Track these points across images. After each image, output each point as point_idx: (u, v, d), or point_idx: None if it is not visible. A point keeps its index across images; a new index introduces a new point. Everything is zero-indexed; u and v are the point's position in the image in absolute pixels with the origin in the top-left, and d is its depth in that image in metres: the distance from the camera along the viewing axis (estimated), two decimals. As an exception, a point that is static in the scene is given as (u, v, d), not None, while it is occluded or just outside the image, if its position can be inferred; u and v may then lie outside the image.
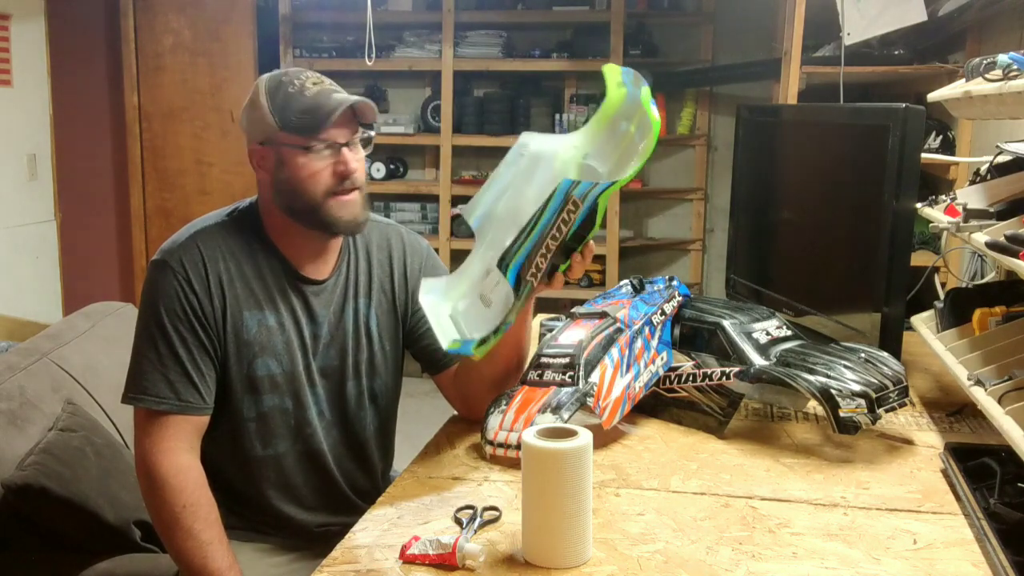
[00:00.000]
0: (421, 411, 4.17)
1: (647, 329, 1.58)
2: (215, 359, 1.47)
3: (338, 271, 1.56)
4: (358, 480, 1.62)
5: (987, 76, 1.46)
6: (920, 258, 2.45)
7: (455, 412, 1.65)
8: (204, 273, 1.45)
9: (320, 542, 1.47)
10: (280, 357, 1.49)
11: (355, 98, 1.46)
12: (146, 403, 1.42)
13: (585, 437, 1.10)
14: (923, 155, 1.72)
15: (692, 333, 1.66)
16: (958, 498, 1.26)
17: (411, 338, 1.63)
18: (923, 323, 1.79)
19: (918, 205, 1.71)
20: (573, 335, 1.53)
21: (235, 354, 1.47)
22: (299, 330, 1.51)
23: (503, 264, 1.36)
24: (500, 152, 1.39)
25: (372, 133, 1.52)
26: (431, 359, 1.63)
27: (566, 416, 1.37)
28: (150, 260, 1.49)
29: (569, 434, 1.10)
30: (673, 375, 1.56)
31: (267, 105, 1.45)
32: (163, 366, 1.43)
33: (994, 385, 1.31)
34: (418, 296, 1.42)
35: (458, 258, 4.29)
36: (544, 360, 1.49)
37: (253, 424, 1.50)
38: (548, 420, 1.35)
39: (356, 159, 1.47)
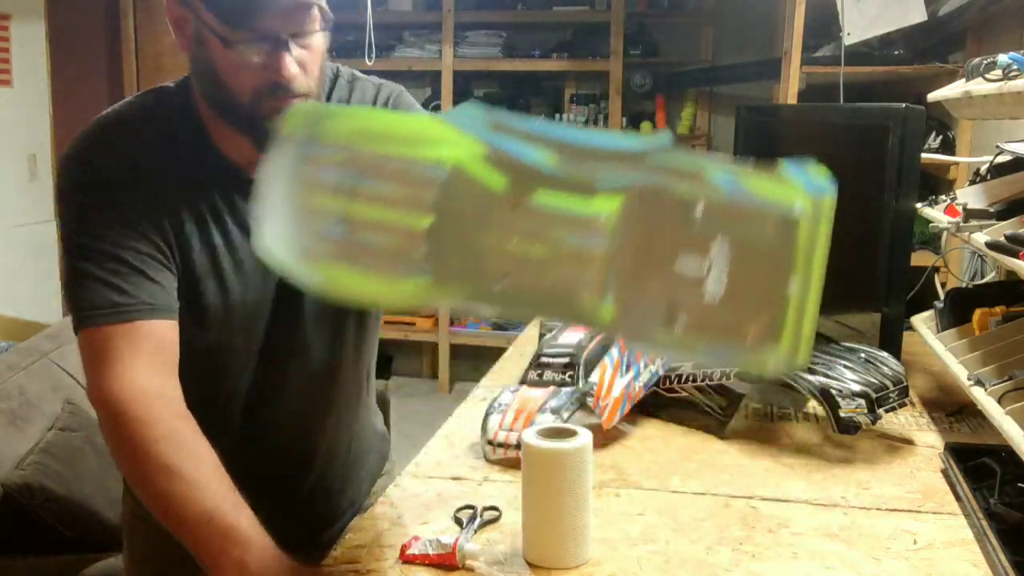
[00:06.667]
0: (421, 411, 4.18)
1: (647, 329, 1.58)
2: (168, 266, 1.11)
3: None
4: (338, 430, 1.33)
5: (987, 76, 1.46)
6: (920, 258, 2.45)
7: (455, 412, 1.64)
8: (128, 174, 1.13)
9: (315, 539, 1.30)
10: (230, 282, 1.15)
11: None
12: (90, 320, 1.06)
13: (585, 437, 1.10)
14: (923, 155, 1.72)
15: (692, 333, 1.65)
16: (958, 498, 1.26)
17: None
18: (923, 323, 1.79)
19: (918, 205, 1.71)
20: (573, 335, 1.53)
21: (181, 277, 1.13)
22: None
23: None
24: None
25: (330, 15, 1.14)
26: None
27: (566, 416, 1.37)
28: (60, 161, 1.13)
29: (569, 434, 1.10)
30: (673, 375, 1.56)
31: None
32: (103, 271, 1.06)
33: (994, 385, 1.31)
34: None
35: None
36: (544, 360, 1.50)
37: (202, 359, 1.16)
38: (548, 420, 1.35)
39: (301, 61, 1.08)
